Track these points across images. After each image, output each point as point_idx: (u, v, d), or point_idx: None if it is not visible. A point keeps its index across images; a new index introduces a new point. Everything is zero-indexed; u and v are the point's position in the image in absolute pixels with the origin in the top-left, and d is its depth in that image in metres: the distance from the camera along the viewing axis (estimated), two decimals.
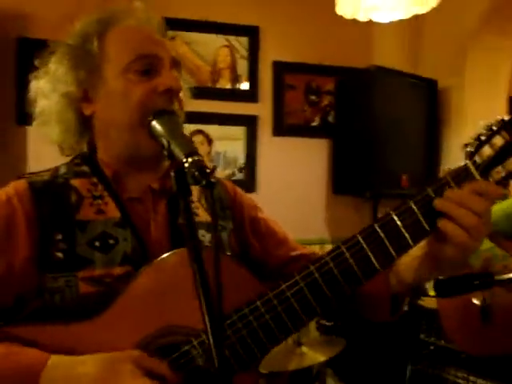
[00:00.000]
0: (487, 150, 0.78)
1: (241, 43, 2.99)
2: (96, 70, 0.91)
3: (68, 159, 0.98)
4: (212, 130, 2.92)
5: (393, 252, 0.77)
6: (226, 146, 2.97)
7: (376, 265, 0.77)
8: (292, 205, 2.87)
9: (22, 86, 2.86)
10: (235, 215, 1.02)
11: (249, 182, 2.96)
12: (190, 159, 0.72)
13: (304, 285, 0.79)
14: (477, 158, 0.78)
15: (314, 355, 1.95)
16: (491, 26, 2.81)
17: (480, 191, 0.76)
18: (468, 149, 0.80)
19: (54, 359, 0.76)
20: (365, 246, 0.77)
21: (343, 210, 2.99)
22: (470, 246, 0.77)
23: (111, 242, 0.87)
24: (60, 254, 0.84)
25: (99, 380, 0.73)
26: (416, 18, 2.99)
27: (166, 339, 0.80)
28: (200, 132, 2.91)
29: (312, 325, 2.51)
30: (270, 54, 3.03)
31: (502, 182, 0.80)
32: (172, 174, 0.73)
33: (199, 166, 0.71)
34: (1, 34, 2.52)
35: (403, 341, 2.64)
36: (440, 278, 0.75)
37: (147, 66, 0.89)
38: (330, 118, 3.08)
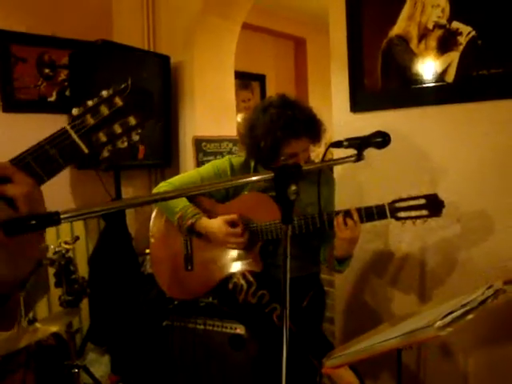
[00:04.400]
0: (89, 118, 0.83)
1: None
2: None
3: None
4: None
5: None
6: None
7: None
8: None
9: None
10: None
11: None
12: None
13: None
14: (80, 122, 0.83)
15: (47, 328, 1.98)
16: (214, 10, 3.10)
17: None
18: (74, 113, 0.84)
19: None
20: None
21: (88, 183, 3.01)
22: None
23: None
24: None
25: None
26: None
27: None
28: None
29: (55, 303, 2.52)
30: None
31: (105, 144, 0.85)
32: None
33: None
34: None
35: (152, 300, 2.82)
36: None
37: None
38: (68, 93, 3.02)
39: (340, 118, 2.29)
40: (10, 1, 2.85)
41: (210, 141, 3.07)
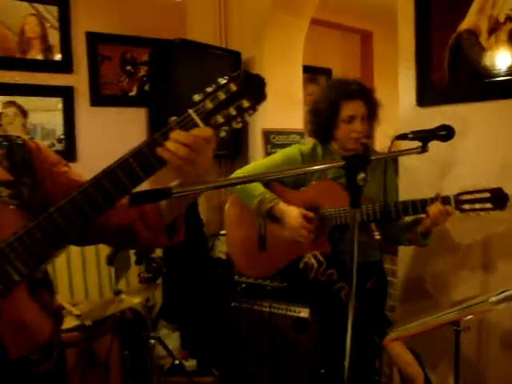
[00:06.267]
0: (209, 102, 0.96)
1: (50, 12, 2.98)
2: None
3: None
4: (26, 101, 2.90)
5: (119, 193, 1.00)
6: (42, 118, 2.98)
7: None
8: None
9: None
10: (35, 172, 1.15)
11: (69, 152, 3.02)
12: None
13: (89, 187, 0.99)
14: (200, 107, 0.96)
15: (130, 299, 2.20)
16: (284, 6, 3.22)
17: (194, 133, 0.95)
18: (195, 99, 0.97)
19: None
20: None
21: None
22: (185, 168, 0.98)
23: None
24: None
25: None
26: None
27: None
28: (12, 103, 2.87)
29: (134, 278, 2.76)
30: (82, 24, 3.07)
31: (222, 126, 0.98)
32: None
33: None
34: None
35: (223, 283, 3.00)
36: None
37: None
38: (147, 88, 3.26)
39: (406, 112, 2.34)
40: (97, 6, 3.13)
41: (278, 133, 3.21)
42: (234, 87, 0.97)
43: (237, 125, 1.00)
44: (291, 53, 3.40)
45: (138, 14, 3.25)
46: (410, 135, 1.40)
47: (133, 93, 3.24)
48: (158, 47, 3.09)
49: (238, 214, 2.12)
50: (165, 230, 1.16)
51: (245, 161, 3.25)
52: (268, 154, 3.11)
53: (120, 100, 3.19)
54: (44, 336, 1.07)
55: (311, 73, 4.51)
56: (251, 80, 0.98)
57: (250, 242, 2.04)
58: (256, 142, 3.20)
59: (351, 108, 1.92)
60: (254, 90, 0.98)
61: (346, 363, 1.11)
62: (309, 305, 2.49)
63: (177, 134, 0.96)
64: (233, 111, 0.97)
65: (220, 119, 0.97)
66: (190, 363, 3.06)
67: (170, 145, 0.97)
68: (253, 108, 0.98)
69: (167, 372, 2.89)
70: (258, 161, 2.21)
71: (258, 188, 1.97)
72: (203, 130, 0.96)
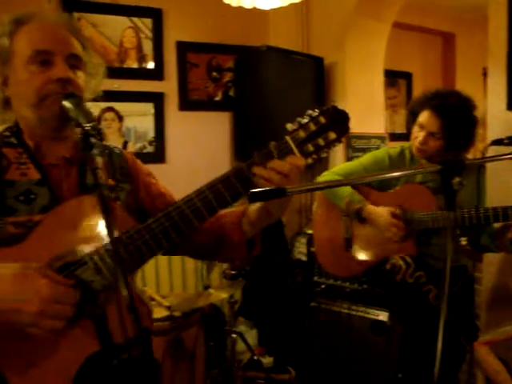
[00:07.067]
0: (302, 132, 1.07)
1: (145, 24, 3.21)
2: (8, 62, 1.15)
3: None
4: (122, 107, 3.14)
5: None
6: (136, 122, 3.20)
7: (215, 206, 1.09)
8: (199, 172, 3.10)
9: None
10: (132, 179, 1.30)
11: (159, 154, 3.23)
12: (90, 124, 1.01)
13: (182, 206, 1.10)
14: (295, 135, 1.07)
15: (218, 294, 2.33)
16: (366, 11, 3.25)
17: (290, 161, 1.06)
18: (289, 129, 1.08)
19: None
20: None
21: None
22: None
23: (32, 196, 1.13)
24: None
25: (14, 277, 1.00)
26: (305, 2, 3.38)
27: (63, 261, 1.07)
28: (111, 109, 3.12)
29: (219, 273, 2.90)
30: (173, 34, 3.27)
31: (312, 154, 1.08)
32: (79, 135, 1.03)
33: (96, 127, 1.00)
34: None
35: (301, 284, 3.08)
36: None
37: (44, 58, 1.13)
38: (231, 93, 3.41)
39: (496, 116, 2.30)
40: (186, 17, 3.32)
41: (359, 137, 3.24)
42: (323, 120, 1.07)
43: (323, 154, 1.10)
44: (373, 57, 3.41)
45: (224, 22, 3.40)
46: (506, 141, 1.40)
47: (218, 98, 3.40)
48: (243, 54, 3.22)
49: (325, 214, 2.19)
50: (245, 244, 1.26)
51: (324, 164, 3.30)
52: (349, 158, 3.14)
53: (206, 104, 3.36)
54: (145, 321, 1.18)
55: (391, 77, 4.48)
56: (338, 114, 1.08)
57: (336, 242, 2.10)
58: (337, 146, 3.23)
59: (424, 117, 1.96)
60: (339, 123, 1.08)
61: (436, 369, 1.12)
62: (389, 307, 2.51)
63: (274, 163, 1.06)
64: (321, 141, 1.08)
65: (310, 148, 1.08)
66: (267, 360, 3.15)
67: (265, 172, 1.07)
68: (338, 140, 1.09)
69: (245, 366, 3.00)
70: (348, 163, 2.29)
71: (346, 189, 2.04)
72: (298, 159, 1.07)
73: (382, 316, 2.59)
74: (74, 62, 1.17)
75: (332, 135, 1.07)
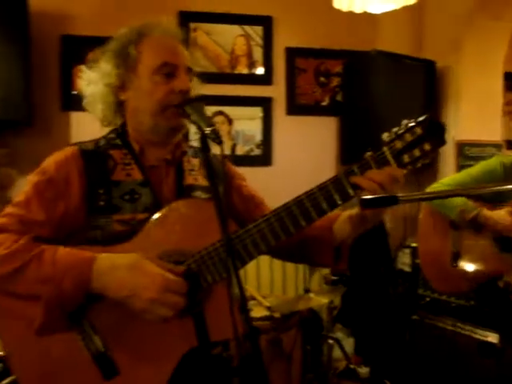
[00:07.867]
0: (399, 142, 1.07)
1: (256, 32, 3.32)
2: (133, 69, 1.24)
3: (105, 132, 1.32)
4: (232, 110, 3.27)
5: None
6: (244, 125, 3.32)
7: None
8: (305, 175, 3.13)
9: (67, 76, 3.24)
10: (226, 181, 1.36)
11: (265, 156, 3.32)
12: (209, 128, 1.08)
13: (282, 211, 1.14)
14: (392, 146, 1.07)
15: (318, 299, 2.34)
16: (486, 11, 3.06)
17: (388, 171, 1.07)
18: (385, 139, 1.08)
19: (102, 255, 1.11)
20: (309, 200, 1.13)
21: None
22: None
23: (136, 196, 1.22)
24: (102, 203, 1.20)
25: (130, 266, 1.10)
26: (418, 5, 3.27)
27: (172, 257, 1.16)
28: (221, 113, 3.26)
29: (320, 278, 2.91)
30: (282, 41, 3.34)
31: (407, 165, 1.08)
32: (198, 138, 1.10)
33: (215, 131, 1.07)
34: (47, 32, 2.92)
35: (403, 295, 2.99)
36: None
37: (169, 71, 1.22)
38: (339, 98, 3.40)
39: None
40: (295, 23, 3.37)
41: (473, 145, 3.06)
42: (419, 130, 1.07)
43: (418, 165, 1.09)
44: (491, 60, 3.21)
45: (332, 27, 3.39)
46: None
47: (325, 103, 3.41)
48: (352, 58, 3.20)
49: (431, 226, 2.12)
50: (333, 251, 1.26)
51: (433, 173, 3.17)
52: (460, 167, 2.99)
53: (313, 109, 3.39)
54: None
55: (509, 80, 4.16)
56: (434, 126, 1.07)
57: (441, 256, 2.02)
58: (447, 154, 3.10)
59: None
60: (436, 135, 1.07)
61: None
62: (499, 328, 2.34)
63: (372, 173, 1.08)
64: (417, 152, 1.07)
65: (406, 159, 1.08)
66: (364, 370, 3.09)
67: (363, 181, 1.08)
68: (433, 151, 1.08)
69: (340, 374, 2.97)
70: (456, 174, 2.18)
71: (457, 199, 1.95)
72: (395, 170, 1.08)
73: (491, 337, 2.43)
74: (189, 73, 1.27)
75: (427, 146, 1.07)
